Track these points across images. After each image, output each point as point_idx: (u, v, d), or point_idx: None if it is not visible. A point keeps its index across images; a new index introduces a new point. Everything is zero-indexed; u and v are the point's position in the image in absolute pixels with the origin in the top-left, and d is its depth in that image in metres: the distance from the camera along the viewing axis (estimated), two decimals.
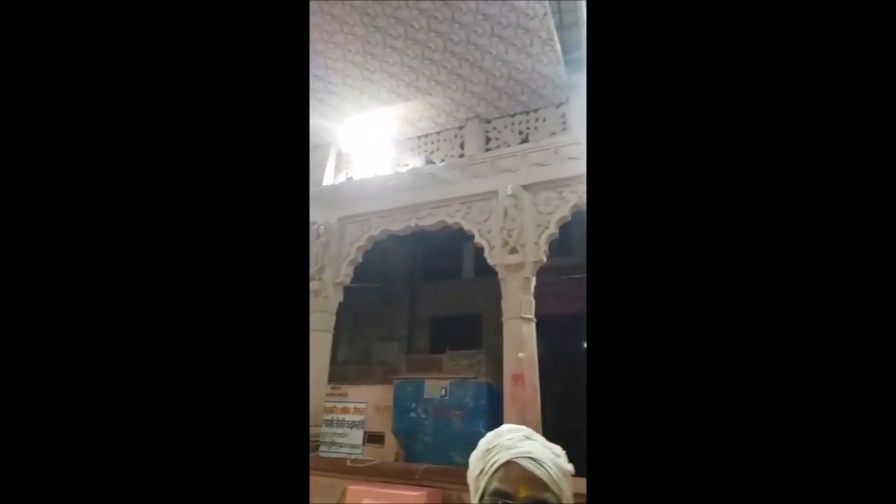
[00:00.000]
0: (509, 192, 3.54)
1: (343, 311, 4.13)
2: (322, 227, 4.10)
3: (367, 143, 4.60)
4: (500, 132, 4.08)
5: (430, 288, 9.78)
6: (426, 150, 4.39)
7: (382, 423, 7.59)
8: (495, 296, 3.46)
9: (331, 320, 3.96)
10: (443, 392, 6.90)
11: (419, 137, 4.46)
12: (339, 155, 4.79)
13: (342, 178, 4.66)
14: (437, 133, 4.38)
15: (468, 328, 8.41)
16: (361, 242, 4.05)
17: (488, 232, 3.62)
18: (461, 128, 4.25)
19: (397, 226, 4.00)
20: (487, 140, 4.08)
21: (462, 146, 4.18)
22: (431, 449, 6.45)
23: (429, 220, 3.89)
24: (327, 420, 5.37)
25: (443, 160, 4.19)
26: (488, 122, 4.14)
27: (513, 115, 4.07)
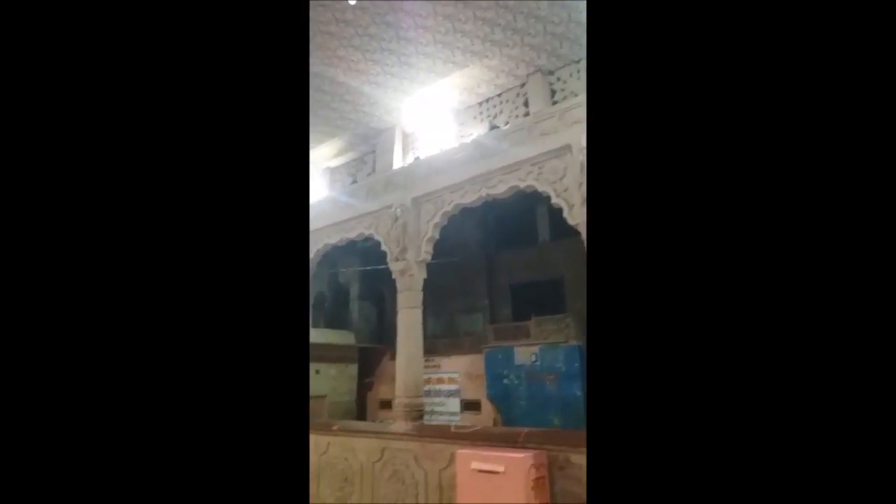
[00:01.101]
0: (584, 144, 3.33)
1: (426, 288, 4.26)
2: (398, 210, 4.22)
3: (430, 119, 4.59)
4: (565, 82, 3.82)
5: (508, 256, 9.70)
6: (489, 116, 4.28)
7: (476, 391, 7.85)
8: (575, 258, 3.32)
9: (418, 297, 4.11)
10: (533, 357, 6.90)
11: (480, 104, 4.34)
12: (405, 136, 4.85)
13: (410, 158, 4.73)
14: (499, 95, 4.23)
15: (550, 293, 8.25)
16: (437, 219, 4.11)
17: (565, 190, 3.46)
18: (523, 85, 4.06)
19: (469, 198, 3.98)
20: (553, 93, 3.86)
21: (526, 104, 4.00)
22: (528, 413, 6.54)
23: (500, 188, 3.81)
24: (426, 391, 5.68)
25: (507, 122, 4.06)
26: (551, 73, 3.89)
27: (577, 62, 3.78)
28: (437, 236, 4.19)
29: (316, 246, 4.97)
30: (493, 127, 4.16)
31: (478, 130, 4.27)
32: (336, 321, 11.17)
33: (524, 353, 6.94)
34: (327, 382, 8.74)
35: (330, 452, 3.98)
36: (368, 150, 5.12)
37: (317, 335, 9.08)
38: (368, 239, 4.61)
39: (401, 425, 3.65)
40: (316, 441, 4.09)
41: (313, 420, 5.90)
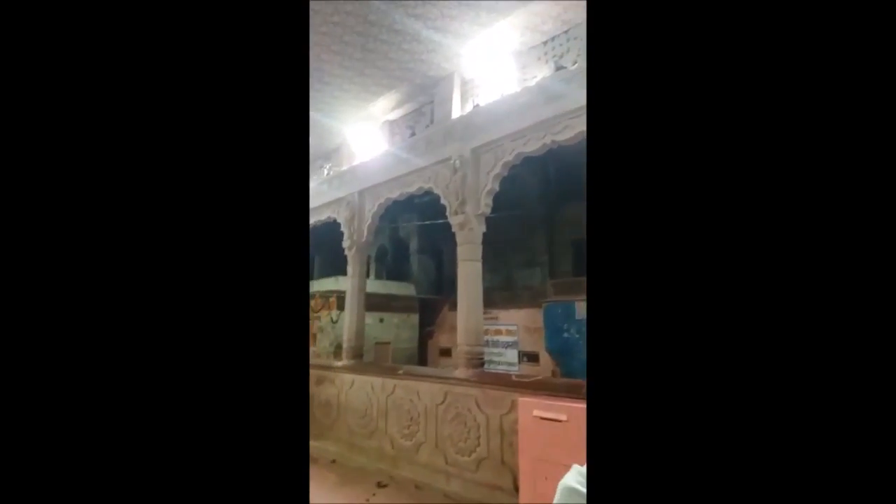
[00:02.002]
0: None
1: (485, 242, 4.24)
2: (457, 161, 4.15)
3: (490, 64, 4.35)
4: None
5: (569, 211, 9.34)
6: (554, 56, 3.96)
7: (535, 343, 7.95)
8: None
9: (478, 250, 4.11)
10: None
11: (545, 43, 4.02)
12: (464, 83, 4.66)
13: (469, 107, 4.56)
14: (565, 32, 3.88)
15: None
16: (497, 170, 3.99)
17: None
18: None
19: (532, 146, 3.80)
20: None
21: None
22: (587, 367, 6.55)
23: (566, 134, 3.58)
24: (485, 341, 5.83)
25: (575, 62, 3.74)
26: None
27: None
28: (496, 188, 4.09)
29: (378, 201, 5.07)
30: (560, 68, 3.86)
31: (542, 73, 3.99)
32: (397, 274, 11.62)
33: (584, 308, 6.84)
34: (391, 330, 9.25)
35: (396, 394, 4.26)
36: (427, 101, 5.01)
37: (380, 286, 9.54)
38: (428, 193, 4.61)
39: (462, 371, 3.79)
40: (383, 383, 4.39)
41: (380, 364, 6.32)
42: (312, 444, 4.88)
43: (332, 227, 5.75)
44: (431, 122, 4.91)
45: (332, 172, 6.30)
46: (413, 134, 5.10)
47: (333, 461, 4.54)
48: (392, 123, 5.45)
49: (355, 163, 5.63)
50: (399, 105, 5.24)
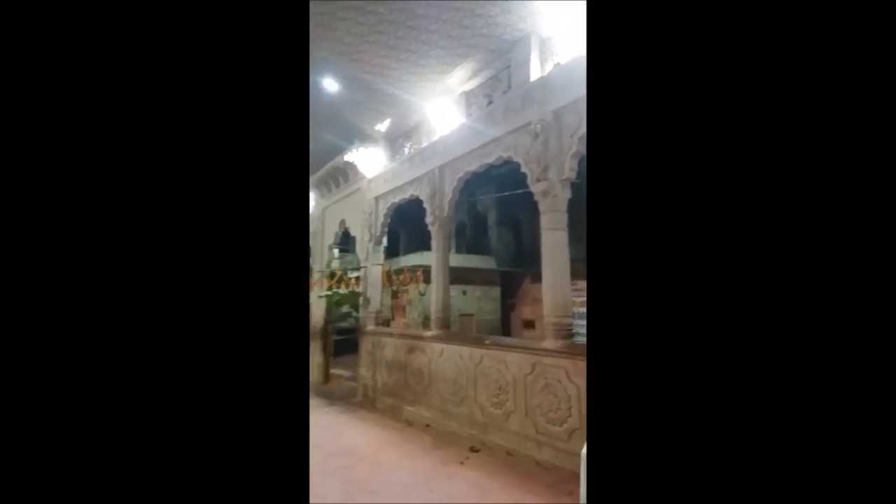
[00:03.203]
0: None
1: (570, 210, 4.05)
2: (538, 126, 3.98)
3: (570, 19, 4.04)
4: None
5: None
6: None
7: None
8: None
9: (563, 218, 3.96)
10: None
11: None
12: (542, 43, 4.41)
13: (549, 67, 4.32)
14: None
15: None
16: (582, 131, 3.76)
17: None
18: None
19: None
20: None
21: None
22: None
23: None
24: (574, 313, 5.66)
25: None
26: None
27: None
28: (582, 151, 3.86)
29: (457, 174, 5.09)
30: None
31: None
32: (477, 247, 11.68)
33: None
34: (474, 303, 9.41)
35: (484, 363, 4.36)
36: (503, 66, 4.83)
37: (461, 260, 9.69)
38: (507, 162, 4.50)
39: (551, 343, 3.74)
40: (471, 353, 4.51)
41: (465, 335, 6.48)
42: (408, 408, 5.21)
43: (415, 204, 5.91)
44: (509, 87, 4.74)
45: (412, 150, 6.43)
46: (490, 102, 4.97)
47: (428, 425, 4.82)
48: (469, 94, 5.37)
49: (434, 138, 5.67)
50: (475, 74, 5.12)
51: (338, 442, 4.49)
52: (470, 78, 5.22)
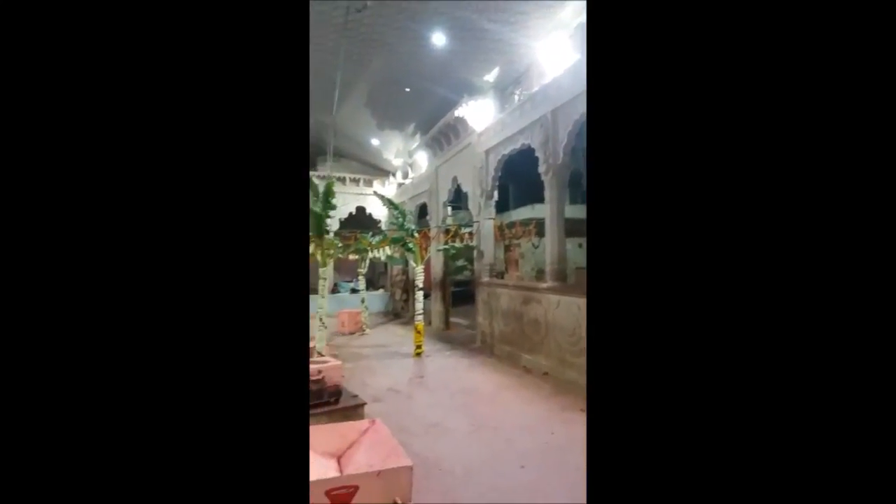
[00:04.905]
0: None
1: None
2: None
3: None
4: None
5: None
6: None
7: None
8: None
9: None
10: None
11: None
12: None
13: None
14: None
15: None
16: None
17: None
18: None
19: None
20: None
21: None
22: None
23: None
24: None
25: None
26: None
27: None
28: None
29: (573, 117, 4.77)
30: None
31: None
32: None
33: None
34: None
35: None
36: None
37: (576, 211, 9.24)
38: None
39: None
40: None
41: (581, 288, 6.29)
42: (525, 356, 5.37)
43: (525, 155, 5.75)
44: None
45: (522, 98, 6.18)
46: None
47: (545, 373, 4.92)
48: (584, 26, 4.88)
49: (546, 81, 5.35)
50: None
51: (460, 382, 4.87)
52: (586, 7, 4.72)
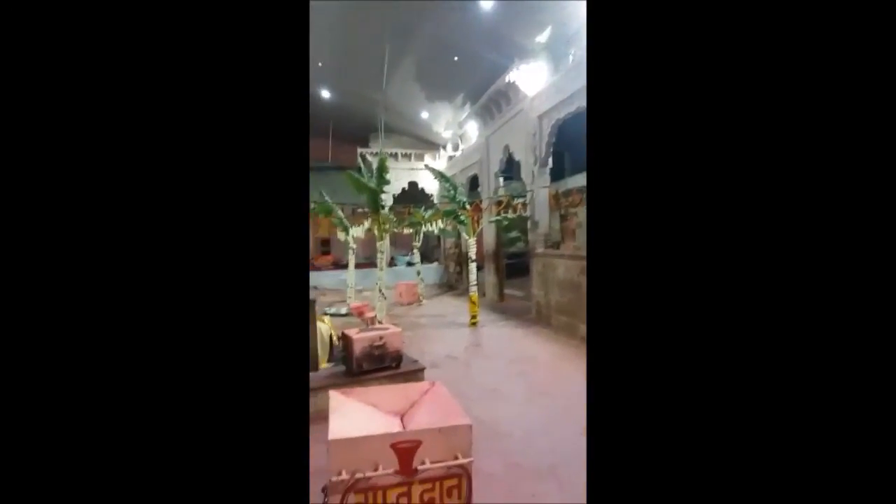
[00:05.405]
0: None
1: None
2: None
3: None
4: None
5: None
6: None
7: None
8: None
9: None
10: None
11: None
12: None
13: None
14: None
15: None
16: None
17: None
18: None
19: None
20: None
21: None
22: None
23: None
24: None
25: None
26: None
27: None
28: None
29: None
30: None
31: None
32: None
33: None
34: None
35: None
36: None
37: None
38: None
39: None
40: None
41: None
42: (583, 327, 5.28)
43: (581, 118, 5.47)
44: None
45: (576, 57, 5.84)
46: None
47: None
48: None
49: None
50: None
51: (516, 351, 4.91)
52: None
